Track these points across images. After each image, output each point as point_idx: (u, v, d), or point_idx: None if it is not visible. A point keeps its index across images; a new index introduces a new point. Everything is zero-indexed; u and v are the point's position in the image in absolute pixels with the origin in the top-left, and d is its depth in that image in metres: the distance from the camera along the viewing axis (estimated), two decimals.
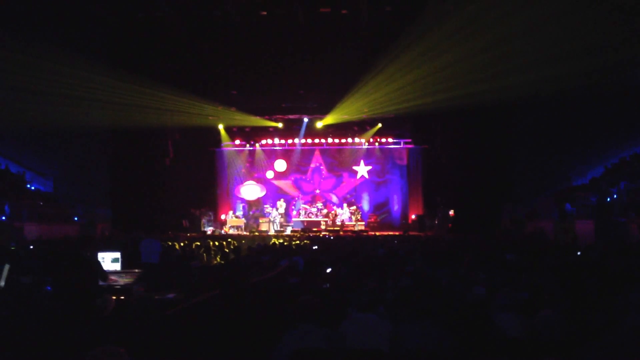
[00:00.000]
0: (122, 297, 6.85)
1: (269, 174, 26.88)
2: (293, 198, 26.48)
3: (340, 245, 15.21)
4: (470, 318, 4.67)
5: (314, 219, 24.84)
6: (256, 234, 22.20)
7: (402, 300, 4.70)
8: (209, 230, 23.70)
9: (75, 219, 20.69)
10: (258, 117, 24.74)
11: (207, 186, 26.34)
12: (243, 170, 27.14)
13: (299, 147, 26.78)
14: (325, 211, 25.20)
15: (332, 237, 19.35)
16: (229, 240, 16.56)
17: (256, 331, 4.89)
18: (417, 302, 4.53)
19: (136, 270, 8.19)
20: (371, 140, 26.35)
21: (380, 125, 25.62)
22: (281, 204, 25.17)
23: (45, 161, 22.85)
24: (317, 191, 26.77)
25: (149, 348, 4.00)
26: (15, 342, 4.14)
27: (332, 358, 3.99)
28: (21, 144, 21.84)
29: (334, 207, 25.65)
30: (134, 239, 13.62)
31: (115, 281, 7.57)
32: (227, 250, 12.10)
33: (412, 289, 4.93)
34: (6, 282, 6.54)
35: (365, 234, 21.73)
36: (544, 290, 5.33)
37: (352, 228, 23.74)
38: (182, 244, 14.33)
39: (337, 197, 26.70)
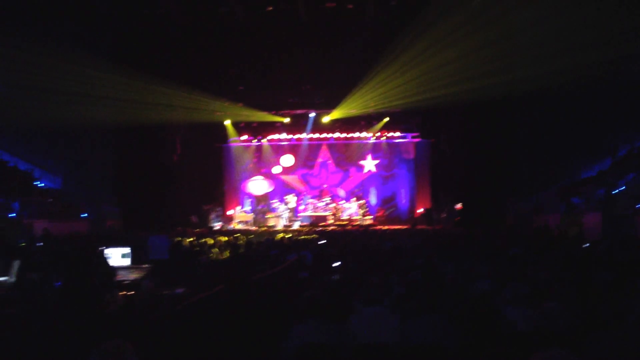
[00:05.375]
0: (131, 293, 6.90)
1: (276, 169, 26.91)
2: (300, 193, 26.50)
3: (347, 239, 15.21)
4: (477, 312, 4.68)
5: (321, 213, 24.85)
6: (264, 229, 22.23)
7: (410, 293, 4.72)
8: (217, 225, 23.76)
9: (84, 215, 20.77)
10: (265, 113, 24.71)
11: (215, 182, 26.42)
12: (250, 166, 27.17)
13: (305, 142, 26.78)
14: (332, 206, 25.19)
15: (339, 232, 19.35)
16: (237, 235, 16.63)
17: (264, 325, 4.92)
18: (424, 296, 4.54)
19: (145, 266, 8.25)
20: (378, 134, 26.32)
21: (387, 119, 25.58)
22: (291, 199, 25.22)
23: (54, 158, 22.95)
24: (325, 186, 26.77)
25: (158, 342, 4.03)
26: (25, 337, 4.18)
27: (339, 352, 4.02)
28: (30, 141, 21.93)
29: (340, 202, 25.64)
30: (141, 236, 13.66)
31: (125, 276, 7.62)
32: (236, 245, 12.17)
33: (420, 283, 4.95)
34: (16, 278, 6.61)
35: (372, 228, 21.72)
36: (551, 283, 5.34)
37: (359, 222, 23.77)
38: (190, 240, 14.39)
39: (345, 191, 26.68)
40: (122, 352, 2.80)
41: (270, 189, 26.75)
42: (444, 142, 24.29)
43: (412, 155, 26.42)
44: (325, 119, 25.18)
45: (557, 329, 3.79)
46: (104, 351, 2.78)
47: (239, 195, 27.01)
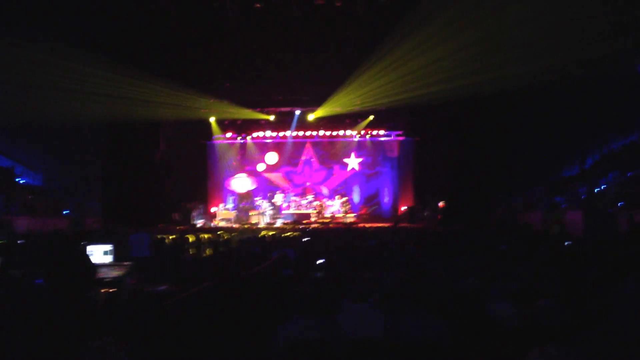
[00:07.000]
0: (113, 290, 6.81)
1: (260, 167, 26.85)
2: (284, 190, 26.45)
3: (331, 237, 15.19)
4: (464, 308, 4.67)
5: (304, 211, 24.84)
6: (246, 226, 22.15)
7: (397, 290, 4.69)
8: (200, 223, 23.63)
9: (65, 212, 20.55)
10: (250, 110, 24.63)
11: (198, 179, 26.27)
12: (234, 163, 27.10)
13: (290, 140, 26.74)
14: (316, 203, 25.18)
15: (322, 229, 19.34)
16: (219, 232, 16.53)
17: (250, 323, 4.87)
18: (411, 293, 4.52)
19: (127, 263, 8.15)
20: (363, 132, 26.36)
21: (372, 117, 25.62)
22: (277, 197, 25.15)
23: (34, 155, 22.68)
24: (308, 183, 26.77)
25: (143, 340, 3.97)
26: (6, 336, 4.09)
27: (327, 348, 3.98)
28: (10, 137, 21.65)
29: (324, 199, 25.64)
30: (123, 233, 13.54)
31: (106, 274, 7.52)
32: (218, 242, 12.10)
33: (406, 280, 4.92)
34: None
35: (355, 225, 21.75)
36: (539, 280, 5.35)
37: (342, 220, 23.77)
38: (172, 237, 14.28)
39: (328, 189, 26.69)
40: (112, 349, 2.76)
41: (254, 187, 26.68)
42: (429, 141, 24.29)
43: (396, 154, 26.49)
44: (310, 117, 25.13)
45: (550, 325, 3.78)
46: (94, 348, 2.74)
47: (222, 193, 26.91)
